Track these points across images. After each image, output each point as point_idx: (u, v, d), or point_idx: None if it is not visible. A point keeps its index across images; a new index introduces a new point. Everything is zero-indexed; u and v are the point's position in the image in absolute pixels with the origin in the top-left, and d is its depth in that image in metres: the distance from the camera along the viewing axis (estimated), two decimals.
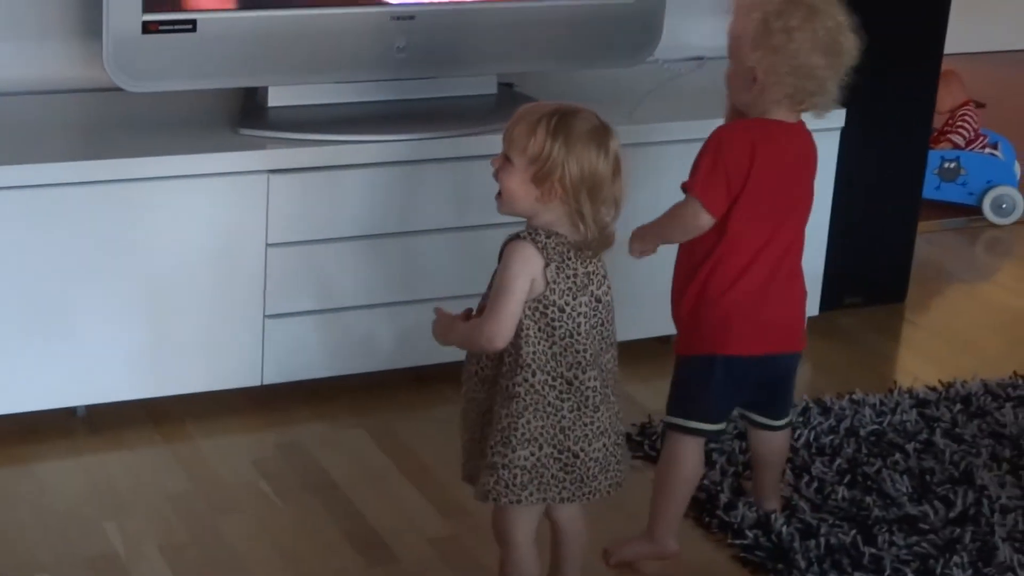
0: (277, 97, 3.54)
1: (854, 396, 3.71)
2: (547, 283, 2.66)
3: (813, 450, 3.47)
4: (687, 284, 3.00)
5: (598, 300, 2.72)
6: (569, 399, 2.69)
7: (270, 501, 3.24)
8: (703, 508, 3.24)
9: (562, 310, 2.67)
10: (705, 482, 3.28)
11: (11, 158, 3.22)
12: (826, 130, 3.90)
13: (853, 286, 4.26)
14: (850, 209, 4.08)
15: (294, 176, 3.40)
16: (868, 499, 3.29)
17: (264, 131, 3.44)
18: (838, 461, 3.43)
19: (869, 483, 3.35)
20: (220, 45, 3.37)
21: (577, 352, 2.68)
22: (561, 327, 2.68)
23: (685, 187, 2.96)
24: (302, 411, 3.57)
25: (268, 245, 3.41)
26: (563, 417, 2.69)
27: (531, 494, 2.70)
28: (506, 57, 3.68)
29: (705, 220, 2.92)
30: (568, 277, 2.67)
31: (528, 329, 2.68)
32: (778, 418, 3.15)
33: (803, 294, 3.09)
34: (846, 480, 3.36)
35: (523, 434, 2.69)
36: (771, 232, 2.97)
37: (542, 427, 2.69)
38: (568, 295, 2.68)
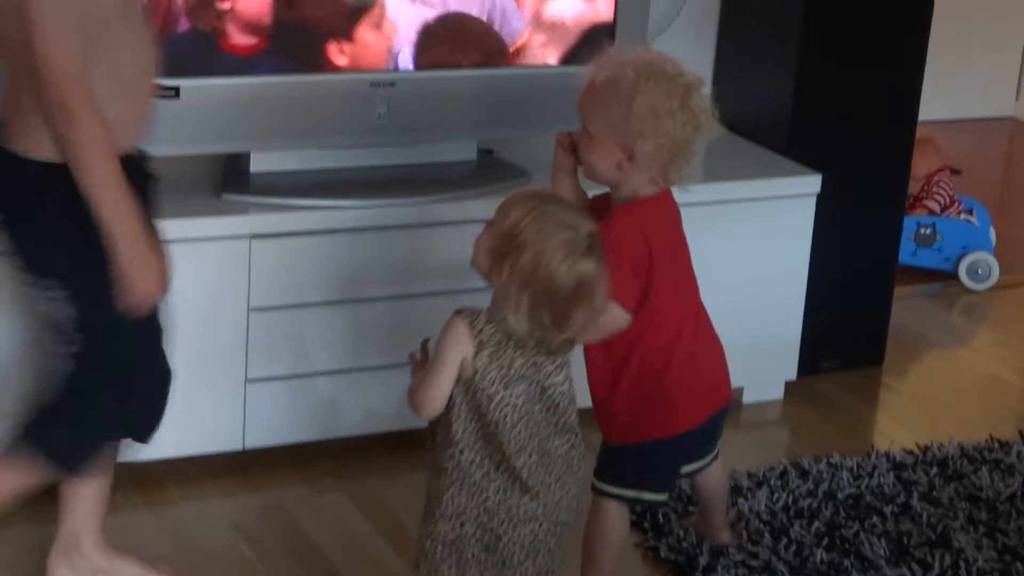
0: (260, 163, 3.57)
1: (832, 460, 3.73)
2: (475, 370, 2.65)
3: (791, 513, 3.49)
4: (616, 378, 2.99)
5: (544, 390, 2.69)
6: (496, 480, 2.67)
7: (252, 566, 3.24)
8: (682, 572, 3.25)
9: (491, 399, 2.65)
10: (684, 544, 3.30)
11: None
12: (802, 196, 3.95)
13: (830, 350, 4.29)
14: (827, 274, 4.11)
15: (276, 241, 3.42)
16: (847, 562, 3.30)
17: (246, 196, 3.47)
18: (816, 524, 3.44)
19: (847, 546, 3.37)
20: (203, 111, 3.40)
21: (503, 441, 2.65)
22: (488, 414, 2.65)
23: None
24: (284, 475, 3.58)
25: (250, 309, 3.43)
26: (487, 498, 2.67)
27: (450, 568, 2.68)
28: (486, 123, 3.71)
29: (624, 320, 2.91)
30: (502, 367, 2.65)
31: (459, 407, 2.67)
32: (709, 455, 3.18)
33: (721, 347, 3.10)
34: (824, 543, 3.37)
35: (447, 508, 2.68)
36: (681, 303, 3.00)
37: (466, 504, 2.68)
38: (499, 384, 2.65)
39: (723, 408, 3.10)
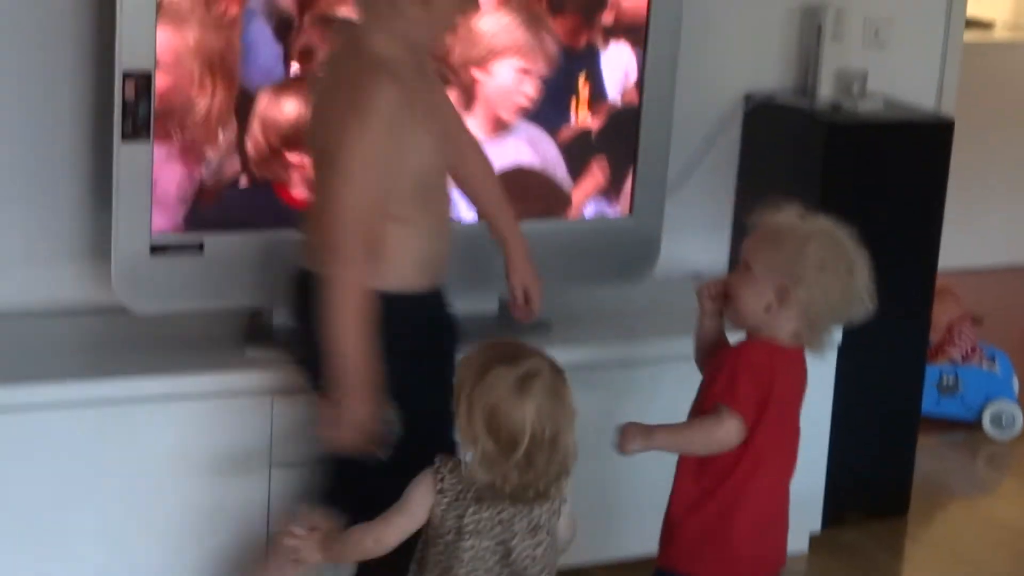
0: (282, 317, 3.57)
1: None
2: (434, 518, 2.69)
3: None
4: (697, 503, 2.99)
5: (509, 551, 2.68)
6: None
7: None
8: None
9: (444, 548, 2.68)
10: None
11: (14, 378, 3.26)
12: None
13: (855, 501, 4.26)
14: (850, 424, 4.10)
15: (299, 397, 3.42)
16: None
17: (270, 351, 3.47)
18: None
19: None
20: (227, 266, 3.43)
21: None
22: (441, 564, 2.69)
23: (718, 401, 2.95)
24: None
25: (272, 466, 3.42)
26: None
27: None
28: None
29: (736, 433, 2.93)
30: (459, 517, 2.67)
31: (420, 552, 2.73)
32: None
33: (788, 519, 3.12)
34: None
35: None
36: (780, 463, 3.03)
37: None
38: (453, 535, 2.67)
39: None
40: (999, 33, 7.07)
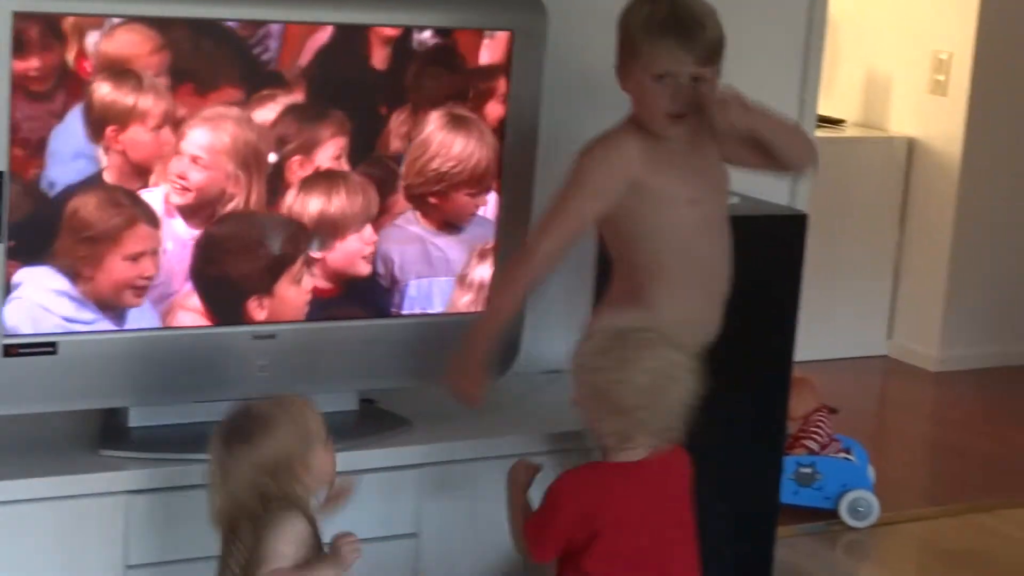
0: (139, 417, 3.53)
1: None
2: None
3: None
4: None
5: None
6: None
7: None
8: None
9: None
10: None
11: None
12: None
13: None
14: (709, 517, 4.11)
15: (155, 496, 3.38)
16: None
17: (125, 452, 3.43)
18: None
19: None
20: (81, 366, 3.38)
21: None
22: None
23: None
24: None
25: (127, 567, 3.37)
26: None
27: None
28: (368, 373, 3.71)
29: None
30: None
31: None
32: None
33: None
34: None
35: None
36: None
37: None
38: None
39: None
40: (849, 131, 7.24)
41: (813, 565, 4.85)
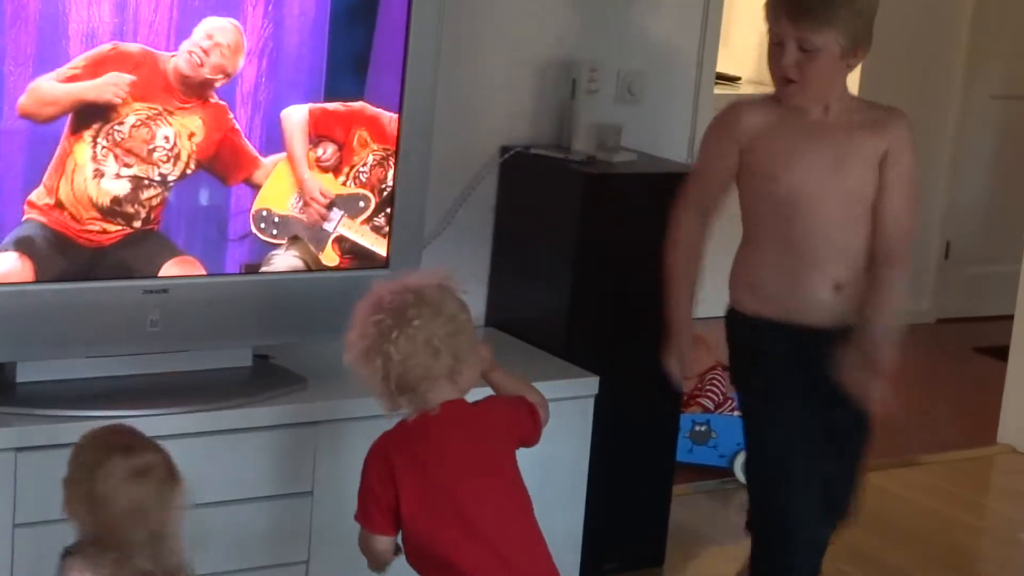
0: (26, 372, 3.46)
1: None
2: None
3: None
4: None
5: None
6: None
7: None
8: None
9: None
10: None
11: None
12: (580, 398, 3.97)
13: (611, 552, 4.28)
14: (605, 475, 4.12)
15: (44, 453, 3.31)
16: None
17: (12, 407, 3.36)
18: None
19: None
20: None
21: None
22: None
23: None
24: None
25: (15, 525, 3.31)
26: None
27: None
28: (262, 329, 3.67)
29: (389, 548, 3.05)
30: None
31: None
32: None
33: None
34: None
35: None
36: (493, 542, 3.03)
37: None
38: None
39: None
40: (744, 88, 7.25)
41: (708, 524, 4.88)
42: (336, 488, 3.65)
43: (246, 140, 3.52)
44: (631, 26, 4.59)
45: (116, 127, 3.35)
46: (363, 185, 3.68)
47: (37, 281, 3.36)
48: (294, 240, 3.64)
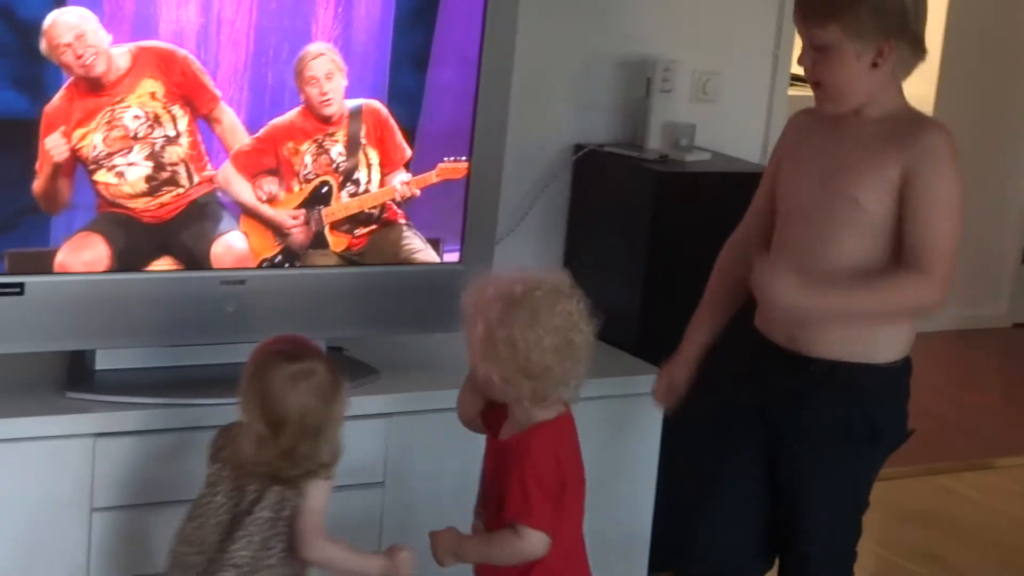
0: (105, 360, 3.52)
1: None
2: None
3: None
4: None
5: (232, 516, 2.96)
6: None
7: None
8: None
9: (197, 498, 3.05)
10: None
11: None
12: (651, 395, 3.98)
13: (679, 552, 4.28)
14: (674, 474, 4.13)
15: (121, 440, 3.37)
16: None
17: (91, 394, 3.42)
18: None
19: None
20: (48, 308, 3.36)
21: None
22: (190, 510, 3.06)
23: (515, 520, 2.93)
24: None
25: (93, 510, 3.36)
26: None
27: None
28: (336, 321, 3.71)
29: (545, 546, 2.93)
30: (212, 473, 3.03)
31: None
32: None
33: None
34: None
35: None
36: (574, 523, 3.02)
37: None
38: (204, 486, 3.03)
39: None
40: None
41: None
42: (407, 479, 3.69)
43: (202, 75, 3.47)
44: (706, 25, 4.61)
45: (95, 153, 3.37)
46: (317, 177, 3.63)
47: (115, 270, 3.42)
48: (304, 257, 3.65)
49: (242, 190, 3.53)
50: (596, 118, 4.49)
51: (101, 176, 3.38)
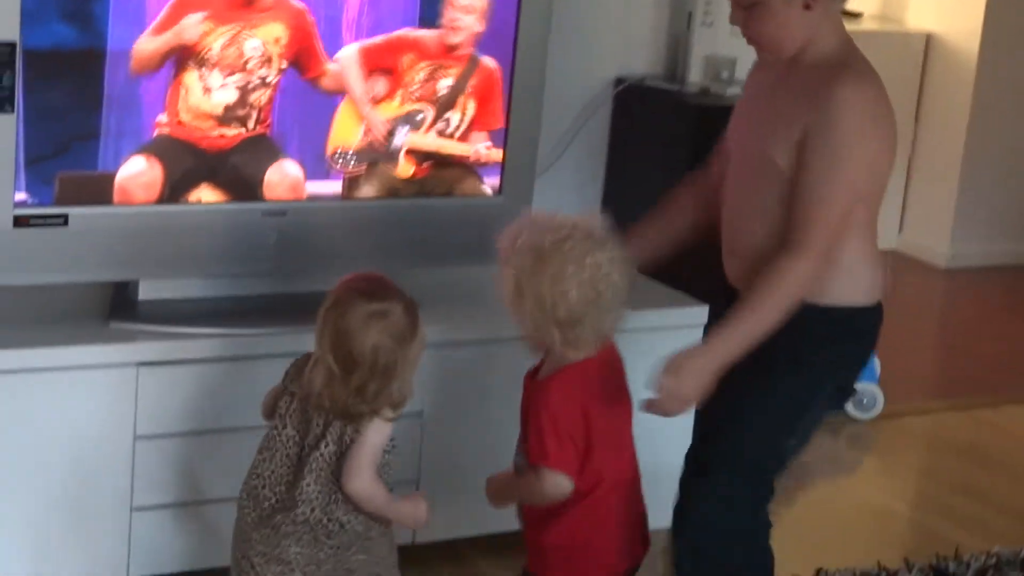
0: (148, 290, 3.56)
1: None
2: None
3: None
4: (548, 519, 2.98)
5: (302, 448, 2.95)
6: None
7: None
8: None
9: (268, 431, 3.05)
10: None
11: None
12: (690, 327, 3.99)
13: None
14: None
15: (164, 369, 3.41)
16: None
17: (134, 324, 3.46)
18: None
19: None
20: (91, 239, 3.40)
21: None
22: (261, 443, 3.06)
23: (535, 463, 2.93)
24: None
25: (136, 437, 3.41)
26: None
27: None
28: (376, 254, 3.73)
29: (570, 485, 2.92)
30: (280, 407, 3.01)
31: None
32: None
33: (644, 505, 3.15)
34: None
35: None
36: (617, 457, 3.02)
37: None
38: (276, 418, 3.01)
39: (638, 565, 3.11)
40: (867, 23, 7.19)
41: (816, 456, 4.87)
42: (446, 409, 3.71)
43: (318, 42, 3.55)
44: None
45: (207, 54, 3.42)
46: (418, 100, 3.68)
47: (160, 200, 3.45)
48: (373, 166, 3.68)
49: (355, 79, 3.58)
50: (637, 52, 4.48)
51: (190, 79, 3.41)
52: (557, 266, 2.88)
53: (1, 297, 3.48)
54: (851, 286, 3.11)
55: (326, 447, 2.92)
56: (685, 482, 3.21)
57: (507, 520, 3.56)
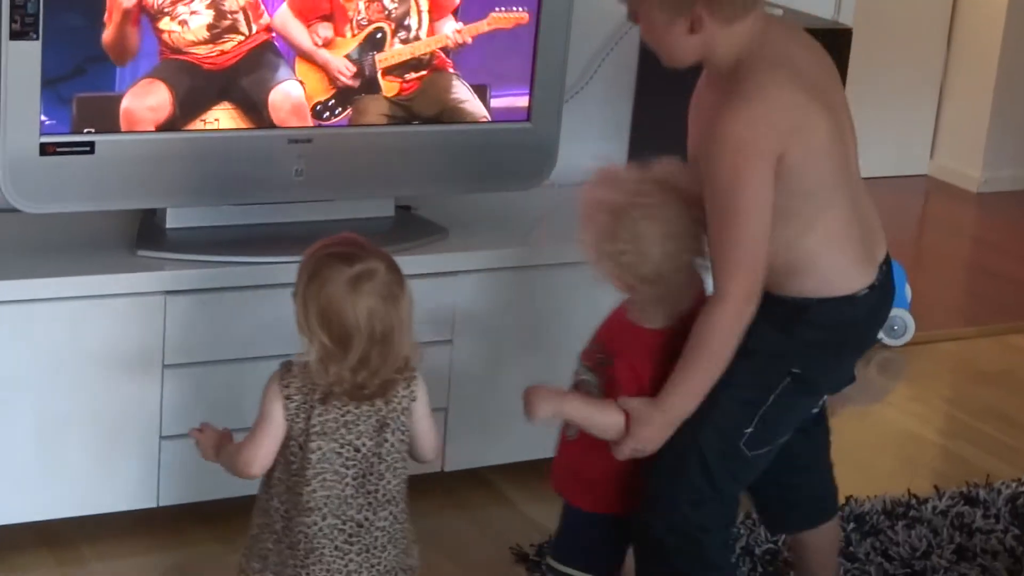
0: (175, 218, 3.55)
1: (750, 515, 3.74)
2: (285, 423, 2.71)
3: None
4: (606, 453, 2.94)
5: (356, 450, 2.71)
6: (285, 538, 2.74)
7: None
8: None
9: (293, 452, 2.72)
10: None
11: None
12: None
13: None
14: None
15: (192, 297, 3.40)
16: None
17: (162, 252, 3.45)
18: None
19: None
20: (118, 167, 3.39)
21: (298, 494, 2.71)
22: (292, 466, 2.72)
23: (618, 396, 2.88)
24: (198, 533, 3.55)
25: (165, 366, 3.41)
26: (270, 550, 2.76)
27: None
28: (404, 180, 3.72)
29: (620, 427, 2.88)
30: (307, 420, 2.69)
31: (278, 456, 2.73)
32: None
33: None
34: None
35: (254, 549, 2.78)
36: None
37: (271, 551, 2.77)
38: (302, 437, 2.70)
39: None
40: None
41: None
42: (475, 337, 3.71)
43: None
44: None
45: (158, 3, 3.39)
46: (370, 23, 3.60)
47: (183, 128, 3.44)
48: (356, 101, 3.63)
49: (298, 34, 3.52)
50: None
51: (165, 24, 3.38)
52: (630, 230, 2.83)
53: (29, 226, 3.48)
54: (812, 282, 2.93)
55: (394, 432, 2.76)
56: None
57: (534, 448, 3.58)
